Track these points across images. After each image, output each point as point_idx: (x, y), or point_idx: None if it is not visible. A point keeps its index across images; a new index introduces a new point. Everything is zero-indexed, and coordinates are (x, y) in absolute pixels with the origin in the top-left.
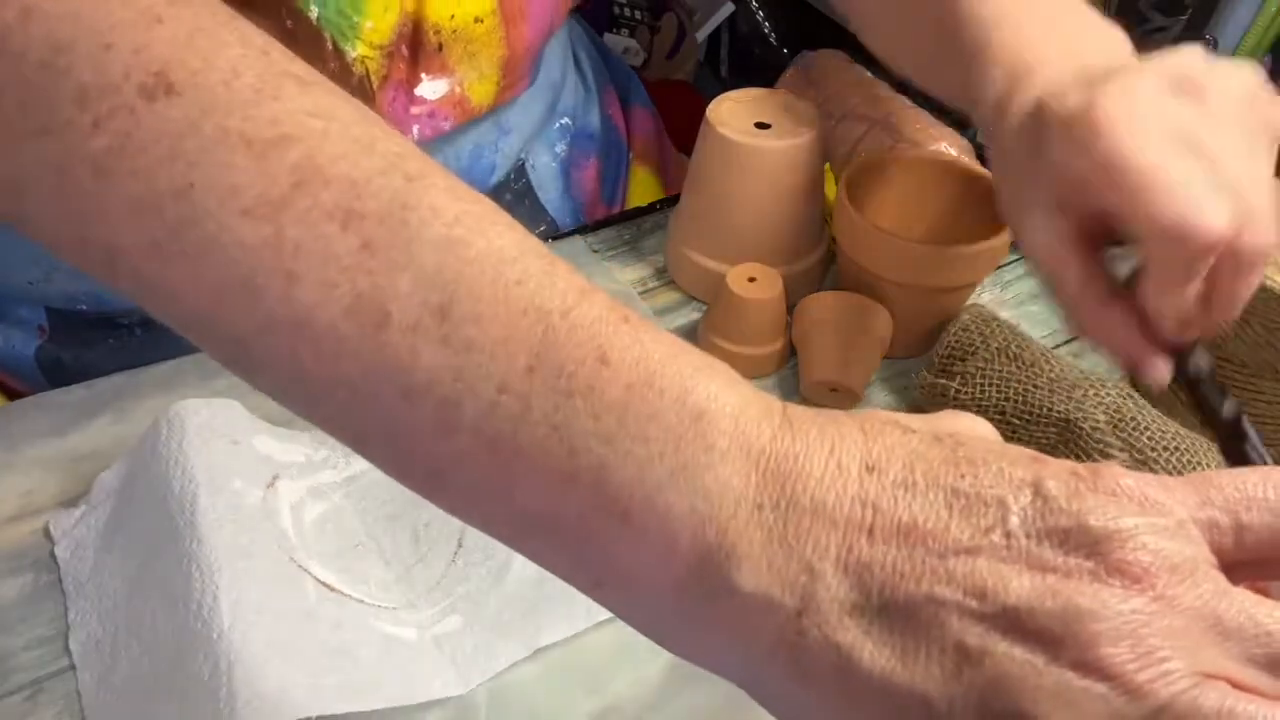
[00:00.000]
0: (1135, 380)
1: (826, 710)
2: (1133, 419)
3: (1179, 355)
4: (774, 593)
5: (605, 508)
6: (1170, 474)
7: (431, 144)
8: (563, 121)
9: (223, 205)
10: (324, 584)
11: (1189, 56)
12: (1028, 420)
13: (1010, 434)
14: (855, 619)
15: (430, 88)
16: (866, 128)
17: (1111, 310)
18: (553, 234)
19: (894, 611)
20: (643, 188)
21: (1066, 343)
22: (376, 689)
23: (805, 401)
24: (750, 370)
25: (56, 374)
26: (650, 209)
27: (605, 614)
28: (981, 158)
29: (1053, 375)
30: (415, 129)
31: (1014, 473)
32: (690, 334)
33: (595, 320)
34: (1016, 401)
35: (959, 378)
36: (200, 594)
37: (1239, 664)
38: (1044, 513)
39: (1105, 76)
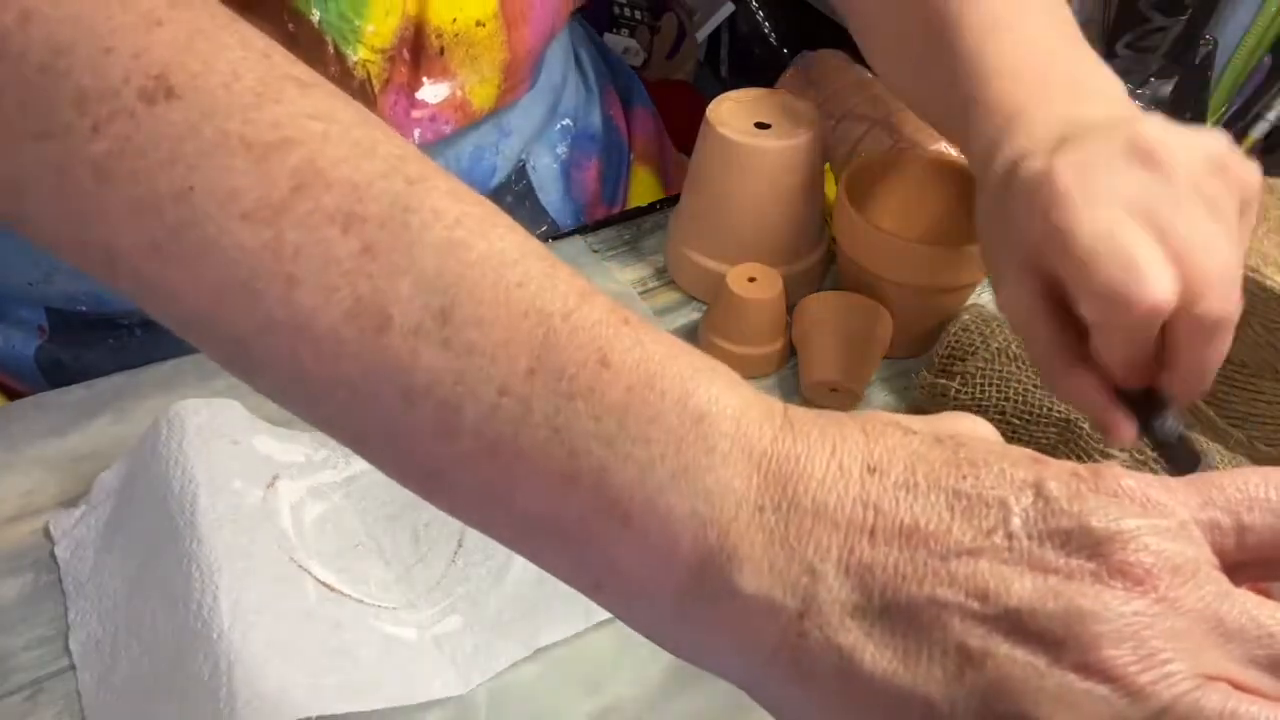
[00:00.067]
0: None
1: (828, 712)
2: None
3: (1149, 418)
4: (775, 595)
5: (606, 510)
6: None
7: (432, 147)
8: (564, 123)
9: (223, 208)
10: (324, 584)
11: (1151, 125)
12: (1028, 420)
13: (1010, 434)
14: (857, 621)
15: (431, 91)
16: (866, 128)
17: (1079, 371)
18: (553, 234)
19: (896, 613)
20: (643, 188)
21: None
22: (376, 689)
23: (805, 402)
24: (750, 370)
25: (56, 374)
26: (650, 209)
27: (605, 614)
28: None
29: None
30: (416, 132)
31: (1015, 474)
32: (690, 334)
33: (596, 323)
34: (1016, 402)
35: (959, 378)
36: (200, 594)
37: (1241, 665)
38: (1046, 514)
39: (1068, 142)
